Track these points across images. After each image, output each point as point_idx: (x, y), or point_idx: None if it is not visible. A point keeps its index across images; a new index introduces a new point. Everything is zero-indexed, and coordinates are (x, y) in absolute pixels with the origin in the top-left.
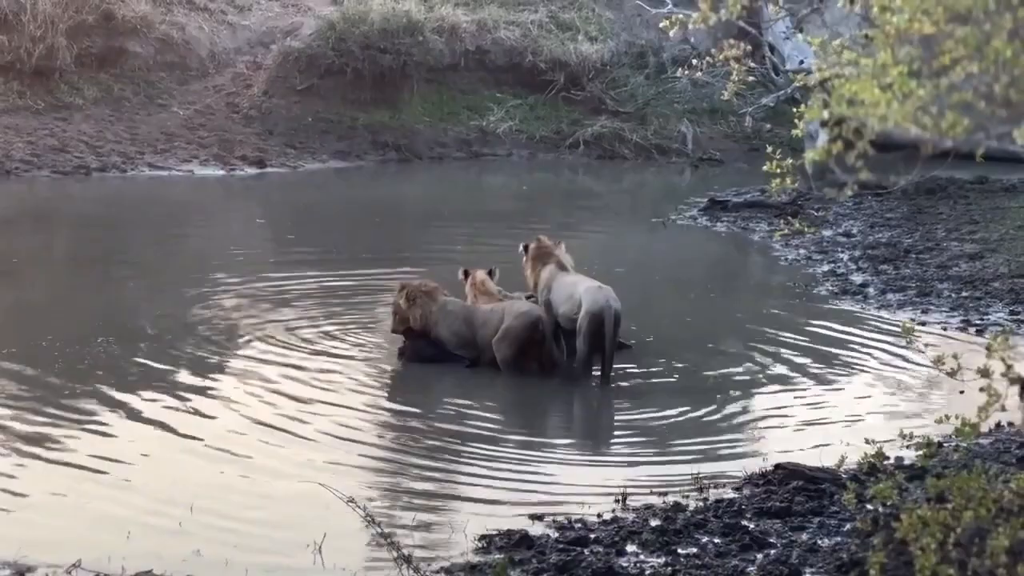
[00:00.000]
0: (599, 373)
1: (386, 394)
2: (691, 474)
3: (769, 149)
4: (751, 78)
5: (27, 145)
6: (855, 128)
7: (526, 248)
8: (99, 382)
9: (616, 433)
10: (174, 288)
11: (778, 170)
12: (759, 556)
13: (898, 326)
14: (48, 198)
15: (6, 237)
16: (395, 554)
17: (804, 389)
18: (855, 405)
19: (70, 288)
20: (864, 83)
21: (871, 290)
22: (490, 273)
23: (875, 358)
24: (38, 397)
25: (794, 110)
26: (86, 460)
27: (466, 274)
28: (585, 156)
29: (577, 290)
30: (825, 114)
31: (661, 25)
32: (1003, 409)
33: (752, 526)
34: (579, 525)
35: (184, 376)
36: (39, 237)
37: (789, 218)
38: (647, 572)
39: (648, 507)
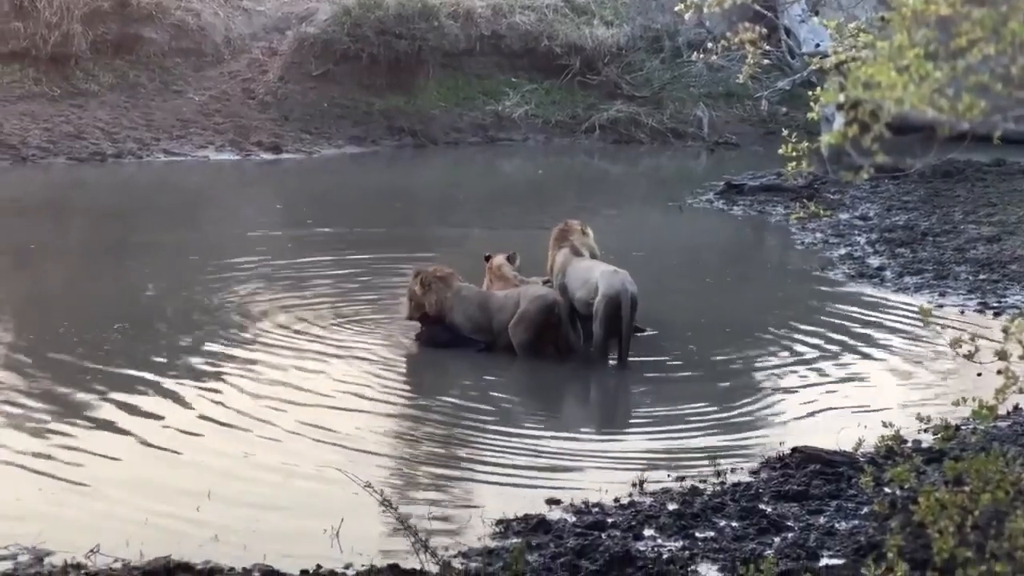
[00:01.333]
0: (615, 357)
1: (402, 379)
2: (708, 458)
3: (785, 132)
4: (766, 61)
5: (43, 132)
6: (871, 111)
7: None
8: (116, 368)
9: (633, 417)
10: (190, 273)
11: (794, 153)
12: (776, 539)
13: (915, 309)
14: (64, 184)
15: (23, 223)
16: (412, 539)
17: (821, 372)
18: (872, 388)
19: (87, 274)
20: (880, 65)
21: (888, 273)
22: (510, 258)
23: (892, 341)
24: (55, 383)
25: (810, 93)
26: (104, 446)
27: (488, 259)
28: (601, 140)
29: (593, 274)
30: (841, 97)
31: (676, 9)
32: (1021, 391)
33: (769, 510)
34: (596, 509)
35: (201, 361)
36: (55, 223)
37: (805, 201)
38: (665, 556)
39: (665, 491)
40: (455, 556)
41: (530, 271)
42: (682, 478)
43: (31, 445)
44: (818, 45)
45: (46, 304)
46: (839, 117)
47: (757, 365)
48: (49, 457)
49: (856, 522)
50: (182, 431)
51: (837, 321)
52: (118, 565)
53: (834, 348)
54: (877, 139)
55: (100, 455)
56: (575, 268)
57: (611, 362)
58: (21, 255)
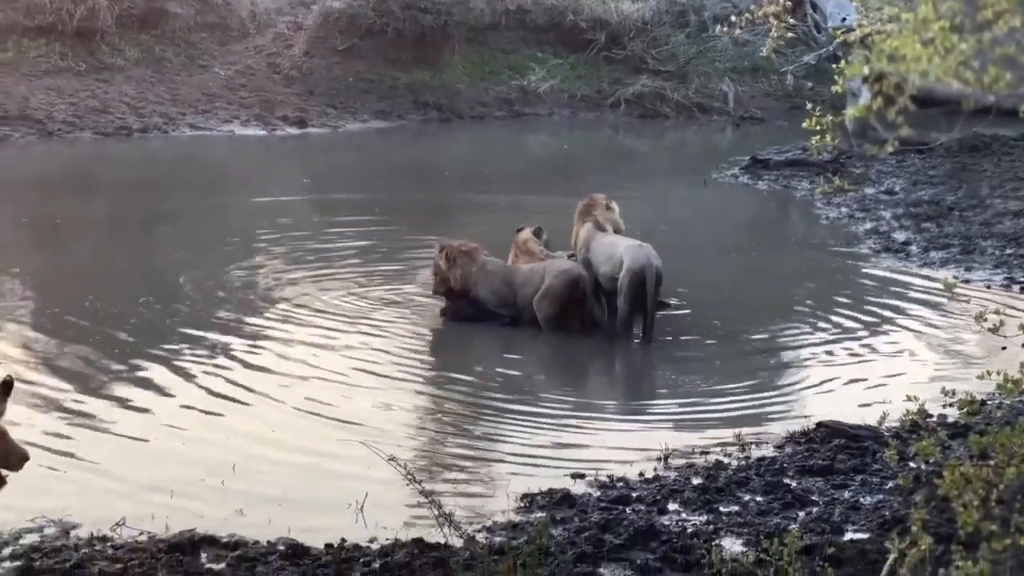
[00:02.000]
0: (640, 332)
1: (427, 353)
2: (733, 432)
3: (809, 106)
4: (791, 35)
5: (69, 107)
6: (896, 84)
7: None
8: (141, 343)
9: (657, 391)
10: (216, 248)
11: (818, 127)
12: (801, 514)
13: (941, 283)
14: (90, 159)
15: (48, 198)
16: (436, 513)
17: (846, 347)
18: (897, 363)
19: (112, 248)
20: (905, 38)
21: (914, 248)
22: (537, 232)
23: (917, 316)
24: (81, 358)
25: (835, 67)
26: (130, 420)
27: (521, 230)
28: (626, 115)
29: (617, 249)
30: (866, 70)
31: None
32: None
33: (794, 484)
34: (621, 484)
35: (225, 337)
36: (81, 198)
37: (830, 175)
38: (689, 530)
39: (690, 465)
40: (479, 530)
41: (556, 246)
42: (706, 452)
43: (57, 419)
44: (844, 19)
45: (71, 278)
46: (865, 91)
47: (781, 340)
48: (75, 431)
49: (881, 496)
50: (207, 405)
51: (862, 296)
52: (143, 538)
53: (859, 323)
54: (902, 112)
55: (126, 429)
56: (599, 243)
57: (635, 337)
58: (47, 229)
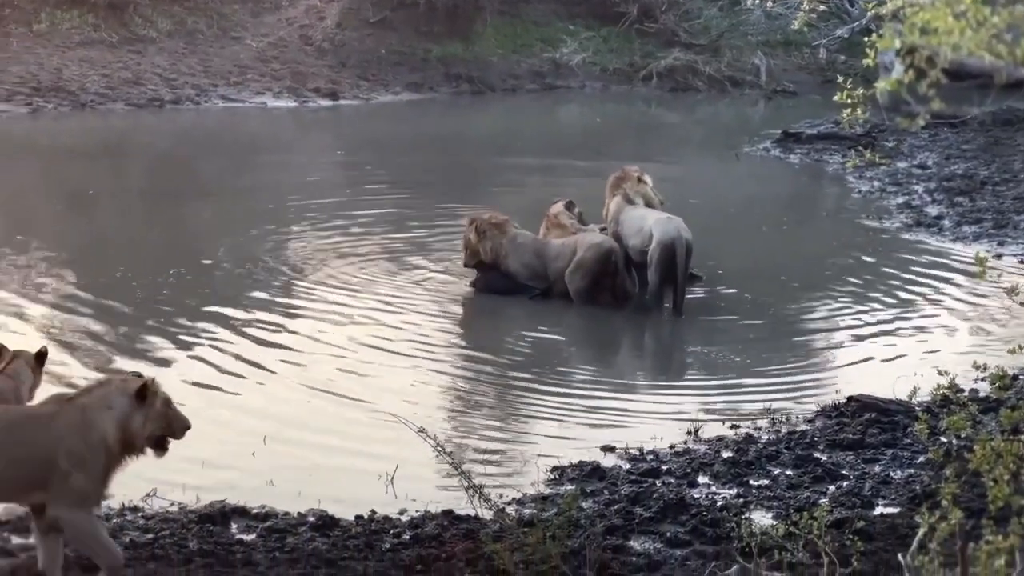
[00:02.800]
0: (671, 304)
1: (457, 326)
2: (763, 406)
3: (840, 80)
4: (823, 8)
5: (102, 78)
6: (927, 57)
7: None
8: (172, 315)
9: (688, 365)
10: (247, 220)
11: (849, 100)
12: (831, 488)
13: (973, 258)
14: (122, 130)
15: (81, 169)
16: (466, 485)
17: (877, 321)
18: (928, 337)
19: (143, 219)
20: (937, 11)
21: (946, 222)
22: (568, 206)
23: (949, 290)
24: (112, 329)
25: (865, 40)
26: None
27: (570, 204)
28: (658, 88)
29: (647, 222)
30: (897, 43)
31: None
32: None
33: (824, 458)
34: (651, 456)
35: (256, 310)
36: (113, 170)
37: (861, 148)
38: (719, 503)
39: (720, 439)
40: (509, 502)
41: (588, 219)
42: (737, 426)
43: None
44: None
45: (103, 249)
46: (898, 65)
47: (812, 313)
48: None
49: (911, 471)
50: (239, 377)
51: (893, 270)
52: (174, 508)
53: (890, 297)
54: (934, 85)
55: None
56: (628, 216)
57: (666, 310)
58: (79, 200)
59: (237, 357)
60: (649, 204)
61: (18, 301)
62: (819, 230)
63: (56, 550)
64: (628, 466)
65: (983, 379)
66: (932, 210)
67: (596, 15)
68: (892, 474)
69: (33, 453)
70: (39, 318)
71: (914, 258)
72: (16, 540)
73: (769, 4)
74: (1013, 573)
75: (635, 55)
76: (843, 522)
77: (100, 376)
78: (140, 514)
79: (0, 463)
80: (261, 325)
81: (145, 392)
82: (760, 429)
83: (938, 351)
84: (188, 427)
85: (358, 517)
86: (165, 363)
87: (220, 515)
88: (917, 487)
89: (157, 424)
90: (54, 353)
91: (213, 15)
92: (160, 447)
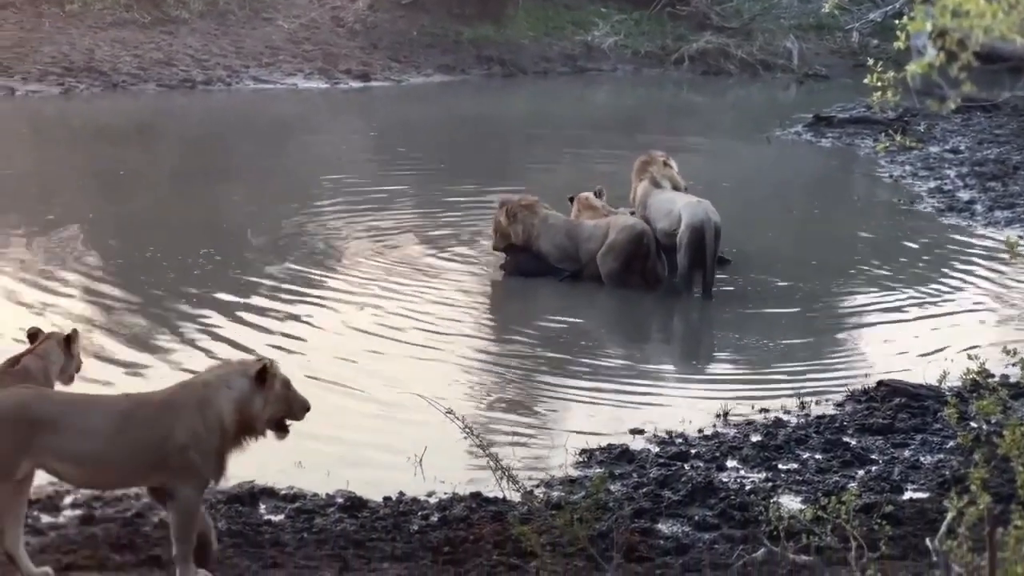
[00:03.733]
0: (701, 288)
1: (488, 308)
2: (792, 390)
3: (871, 62)
4: None
5: (134, 59)
6: (959, 39)
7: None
8: (202, 295)
9: (717, 348)
10: (277, 200)
11: (879, 83)
12: (860, 472)
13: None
14: (154, 111)
15: (112, 150)
16: (494, 467)
17: (907, 306)
18: (959, 322)
19: (174, 200)
20: None
21: (978, 207)
22: (597, 194)
23: (980, 275)
24: (141, 308)
25: (896, 22)
26: (188, 371)
27: (571, 200)
28: (690, 72)
29: (675, 205)
30: (929, 26)
31: None
32: None
33: (854, 442)
34: (680, 440)
35: (286, 290)
36: (144, 150)
37: (891, 131)
38: (747, 487)
39: (749, 423)
40: (537, 485)
41: (618, 203)
42: (766, 410)
43: (116, 370)
44: None
45: (134, 229)
46: (930, 49)
47: (843, 298)
48: (136, 381)
49: (941, 456)
50: (267, 354)
51: (925, 254)
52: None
53: (921, 281)
54: (965, 68)
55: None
56: (656, 199)
57: (696, 293)
58: (111, 181)
59: (264, 338)
60: (676, 188)
61: (50, 281)
62: (850, 214)
63: (205, 529)
64: (657, 449)
65: (1014, 364)
66: (964, 195)
67: None
68: (921, 459)
69: (154, 434)
70: (70, 298)
71: (945, 243)
72: (45, 519)
73: None
74: None
75: (667, 38)
76: (872, 507)
77: (221, 359)
78: None
79: (124, 446)
80: (291, 305)
81: (265, 374)
82: (789, 413)
83: (969, 336)
84: (308, 408)
85: (386, 498)
86: (194, 343)
87: (249, 496)
88: (946, 472)
89: (277, 406)
90: (86, 333)
91: None
92: (281, 429)
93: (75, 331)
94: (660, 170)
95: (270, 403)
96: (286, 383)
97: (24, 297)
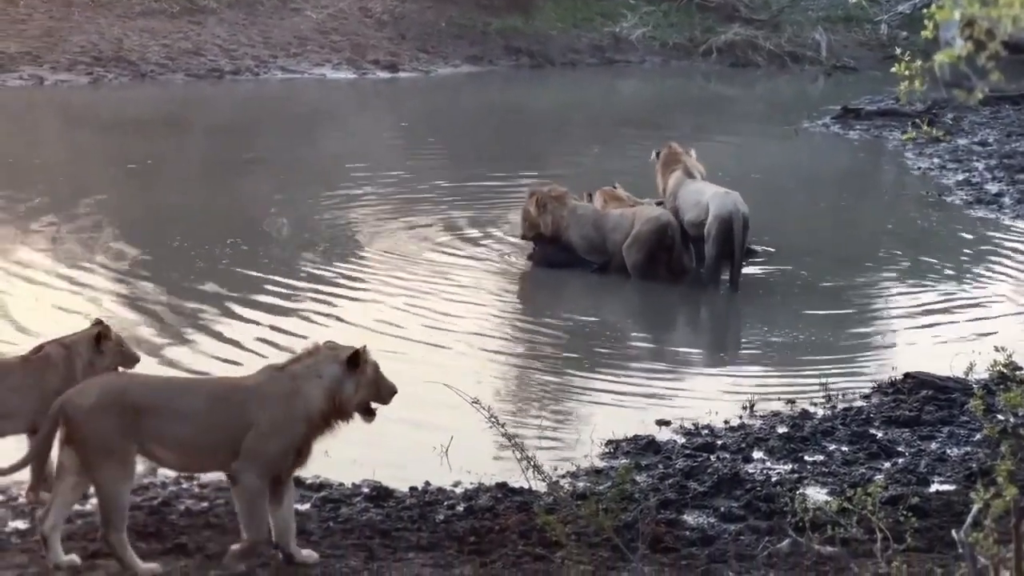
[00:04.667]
0: (728, 279)
1: (515, 299)
2: (819, 382)
3: (898, 52)
4: None
5: (162, 48)
6: (987, 29)
7: (658, 155)
8: (229, 284)
9: (744, 340)
10: (305, 191)
11: (907, 72)
12: (887, 464)
13: None
14: (182, 101)
15: (141, 139)
16: (520, 457)
17: (934, 298)
18: (986, 314)
19: (201, 190)
20: None
21: (1006, 200)
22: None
23: (1007, 267)
24: (168, 298)
25: (924, 11)
26: (214, 361)
27: (589, 197)
28: (718, 63)
29: (704, 196)
30: (957, 15)
31: None
32: None
33: (880, 435)
34: (706, 431)
35: (313, 280)
36: (172, 139)
37: (918, 121)
38: (773, 479)
39: (775, 414)
40: (563, 475)
41: (638, 193)
42: (792, 402)
43: (145, 359)
44: None
45: (161, 218)
46: (959, 41)
47: (870, 290)
48: (163, 370)
49: (968, 448)
50: (293, 346)
51: (952, 247)
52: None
53: (948, 274)
54: (993, 58)
55: (212, 369)
56: (687, 190)
57: (723, 285)
58: (138, 170)
59: (292, 327)
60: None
61: (76, 270)
62: (877, 206)
63: (287, 520)
64: (683, 440)
65: None
66: (992, 187)
67: None
68: (948, 451)
69: (238, 420)
70: (99, 287)
71: (973, 235)
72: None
73: None
74: None
75: (695, 30)
76: (898, 499)
77: (309, 344)
78: (195, 482)
79: (213, 430)
80: (317, 296)
81: (357, 359)
82: (816, 405)
83: (996, 328)
84: (395, 392)
85: (412, 488)
86: (219, 332)
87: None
88: (973, 464)
89: (367, 390)
90: (113, 321)
91: None
92: (368, 413)
93: (105, 329)
94: (691, 160)
95: (361, 388)
96: (375, 367)
97: (51, 286)
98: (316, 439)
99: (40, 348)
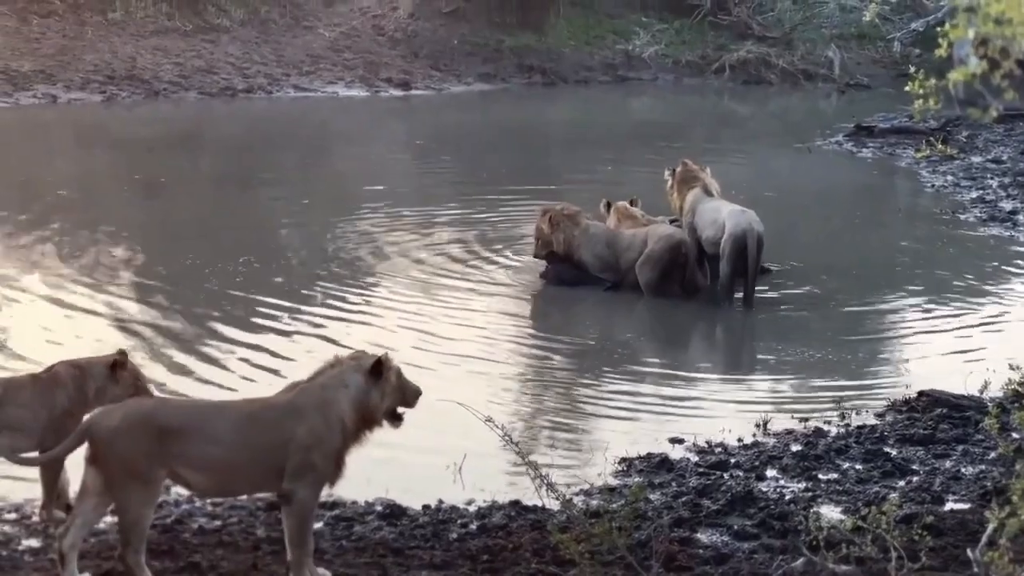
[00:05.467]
0: (742, 297)
1: (528, 317)
2: (833, 400)
3: (912, 69)
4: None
5: (175, 67)
6: (1001, 48)
7: (672, 172)
8: (240, 302)
9: (758, 358)
10: (318, 209)
11: (921, 90)
12: (901, 483)
13: None
14: (195, 119)
15: (153, 157)
16: (534, 475)
17: (948, 316)
18: (1000, 332)
19: (215, 208)
20: (1012, 1)
21: (1021, 217)
22: (631, 203)
23: (1022, 285)
24: (180, 315)
25: (938, 29)
26: (227, 378)
27: (608, 205)
28: (730, 81)
29: (721, 214)
30: (971, 33)
31: None
32: None
33: (894, 453)
34: (719, 449)
35: (326, 297)
36: (186, 157)
37: (932, 139)
38: (787, 497)
39: (789, 432)
40: (576, 493)
41: (651, 211)
42: (806, 419)
43: (158, 375)
44: None
45: (174, 236)
46: (973, 58)
47: (884, 308)
48: (177, 386)
49: (983, 467)
50: (305, 364)
51: (966, 265)
52: (243, 497)
53: (962, 292)
54: (1007, 77)
55: (229, 384)
56: (704, 207)
57: (737, 303)
58: (152, 188)
59: (304, 344)
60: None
61: (90, 288)
62: (891, 224)
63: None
64: (696, 458)
65: None
66: (1006, 205)
67: (669, 7)
68: (963, 470)
69: (276, 438)
70: (111, 304)
71: (987, 253)
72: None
73: None
74: None
75: (708, 47)
76: (912, 517)
77: (330, 356)
78: (209, 500)
79: (247, 451)
80: (331, 312)
81: (380, 368)
82: (829, 423)
83: (1010, 346)
84: (420, 394)
85: (425, 506)
86: (231, 349)
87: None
88: (988, 483)
89: (393, 397)
90: (125, 341)
91: (286, 4)
92: (395, 418)
93: (123, 358)
94: (709, 178)
95: (387, 395)
96: (398, 373)
97: (65, 303)
98: (348, 450)
99: (51, 367)
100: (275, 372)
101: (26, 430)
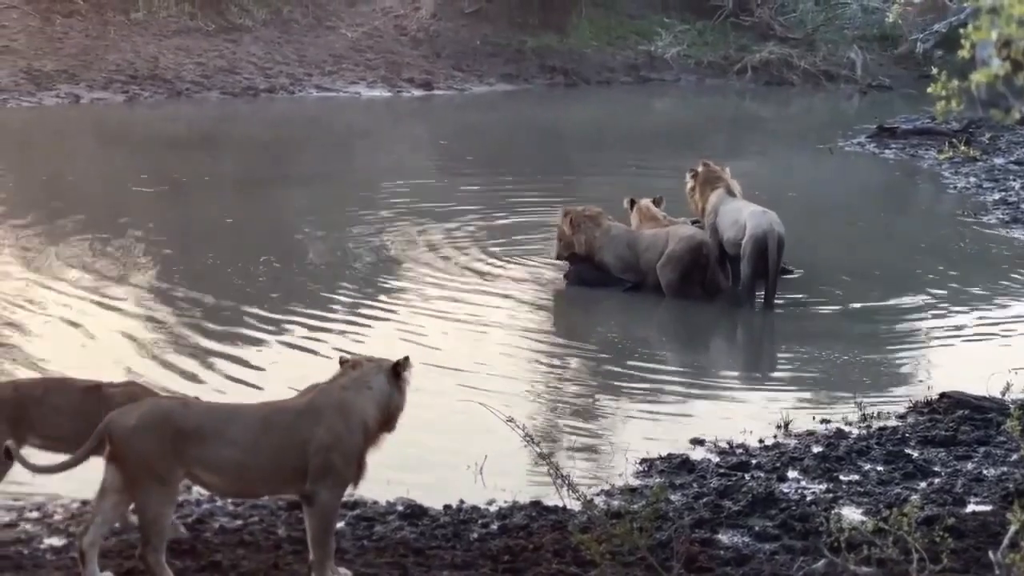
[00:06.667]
0: (763, 298)
1: (549, 317)
2: (854, 401)
3: (934, 71)
4: (917, 1)
5: (197, 66)
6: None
7: (694, 174)
8: (261, 302)
9: (779, 359)
10: (340, 209)
11: (943, 91)
12: (922, 484)
13: None
14: (217, 119)
15: (176, 157)
16: (555, 475)
17: (971, 317)
18: (1023, 334)
19: (236, 208)
20: None
21: None
22: (656, 202)
23: None
24: (201, 315)
25: (961, 31)
26: (247, 378)
27: (632, 203)
28: (753, 82)
29: (742, 215)
30: (994, 34)
31: None
32: None
33: (916, 454)
34: (740, 450)
35: (349, 296)
36: (208, 157)
37: (954, 141)
38: (808, 498)
39: (810, 433)
40: (597, 493)
41: (673, 212)
42: (827, 421)
43: (178, 377)
44: None
45: (197, 236)
46: (996, 60)
47: (906, 309)
48: (196, 388)
49: (1004, 468)
50: (326, 364)
51: (989, 266)
52: (264, 497)
53: (984, 293)
54: None
55: (248, 382)
56: (727, 208)
57: (758, 304)
58: (173, 188)
59: (325, 344)
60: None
61: (111, 287)
62: (913, 225)
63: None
64: (717, 459)
65: None
66: None
67: (691, 8)
68: (984, 471)
69: (296, 439)
70: (133, 304)
71: (1010, 254)
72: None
73: None
74: None
75: (730, 48)
76: (934, 519)
77: (350, 358)
78: (230, 500)
79: (265, 453)
80: (353, 312)
81: (401, 370)
82: (851, 424)
83: None
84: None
85: (446, 506)
86: (252, 350)
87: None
88: (1010, 485)
89: (403, 400)
90: (147, 338)
91: (308, 5)
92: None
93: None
94: (730, 179)
95: (405, 397)
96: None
97: (85, 301)
98: (368, 452)
99: (98, 386)
100: (295, 371)
101: (67, 437)
